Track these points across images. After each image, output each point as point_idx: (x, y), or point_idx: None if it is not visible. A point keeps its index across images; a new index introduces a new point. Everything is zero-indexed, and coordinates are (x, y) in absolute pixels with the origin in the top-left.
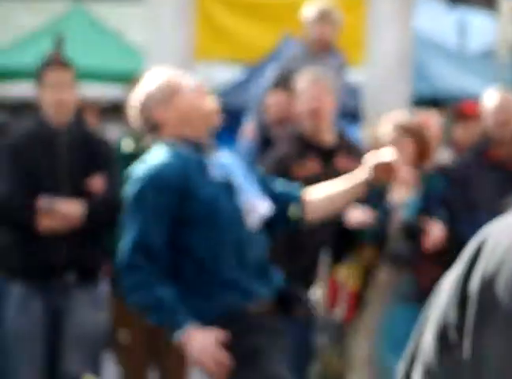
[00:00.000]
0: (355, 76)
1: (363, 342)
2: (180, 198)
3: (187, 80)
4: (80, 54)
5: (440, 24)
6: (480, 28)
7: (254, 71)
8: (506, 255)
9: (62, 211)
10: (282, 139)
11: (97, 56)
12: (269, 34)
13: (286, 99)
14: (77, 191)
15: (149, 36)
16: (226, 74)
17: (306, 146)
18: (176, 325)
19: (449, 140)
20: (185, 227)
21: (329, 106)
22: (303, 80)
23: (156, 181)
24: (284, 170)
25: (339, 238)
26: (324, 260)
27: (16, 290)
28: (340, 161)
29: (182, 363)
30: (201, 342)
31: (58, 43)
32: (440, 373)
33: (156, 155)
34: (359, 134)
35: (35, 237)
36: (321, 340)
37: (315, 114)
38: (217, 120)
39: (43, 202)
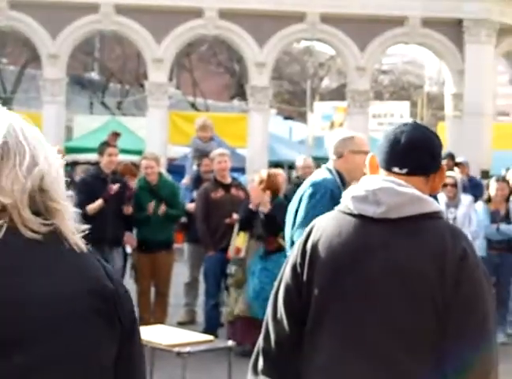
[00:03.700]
0: (241, 151)
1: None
2: (333, 200)
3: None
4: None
5: (280, 127)
6: (299, 129)
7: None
8: (322, 232)
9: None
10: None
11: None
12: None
13: (209, 161)
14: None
15: (149, 135)
16: (181, 150)
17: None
18: None
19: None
20: None
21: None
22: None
23: (323, 187)
24: None
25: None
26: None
27: None
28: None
29: (168, 277)
30: None
31: (112, 134)
32: (292, 287)
33: (325, 175)
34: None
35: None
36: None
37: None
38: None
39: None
